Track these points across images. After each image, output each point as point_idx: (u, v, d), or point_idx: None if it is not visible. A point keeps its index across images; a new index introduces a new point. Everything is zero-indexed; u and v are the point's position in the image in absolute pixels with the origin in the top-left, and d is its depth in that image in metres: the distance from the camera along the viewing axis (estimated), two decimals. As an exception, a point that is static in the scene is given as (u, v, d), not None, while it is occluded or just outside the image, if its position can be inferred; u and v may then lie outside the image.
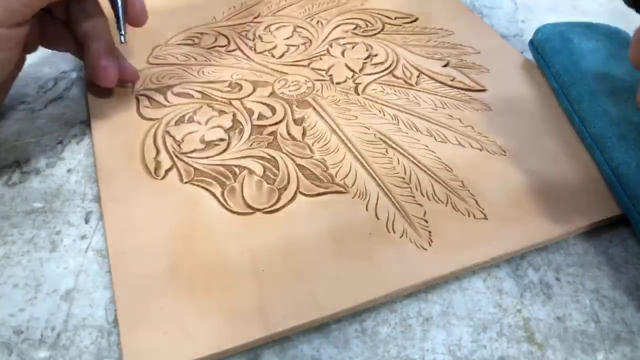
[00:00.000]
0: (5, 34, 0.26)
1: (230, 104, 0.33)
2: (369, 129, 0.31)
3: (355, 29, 0.40)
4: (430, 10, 0.42)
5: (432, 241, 0.25)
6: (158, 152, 0.30)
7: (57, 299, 0.24)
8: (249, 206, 0.27)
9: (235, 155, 0.30)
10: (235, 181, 0.28)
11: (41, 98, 0.34)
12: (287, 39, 0.39)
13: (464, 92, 0.34)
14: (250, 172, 0.29)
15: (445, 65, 0.37)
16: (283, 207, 0.27)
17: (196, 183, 0.28)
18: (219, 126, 0.31)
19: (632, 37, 0.23)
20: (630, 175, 0.26)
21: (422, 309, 0.24)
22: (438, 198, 0.27)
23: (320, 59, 0.37)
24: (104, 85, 0.31)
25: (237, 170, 0.29)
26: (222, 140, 0.31)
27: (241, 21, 0.41)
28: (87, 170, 0.30)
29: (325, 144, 0.30)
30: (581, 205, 0.27)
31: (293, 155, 0.30)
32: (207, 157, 0.29)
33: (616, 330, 0.23)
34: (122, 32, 0.31)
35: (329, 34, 0.40)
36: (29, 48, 0.31)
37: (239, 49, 0.38)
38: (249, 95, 0.34)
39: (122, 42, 0.31)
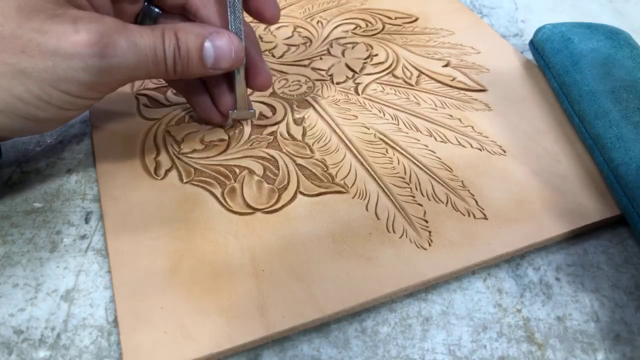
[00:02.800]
0: (80, 103, 0.24)
1: (230, 104, 0.33)
2: (369, 129, 0.31)
3: (355, 29, 0.40)
4: (430, 10, 0.42)
5: (432, 241, 0.25)
6: (158, 152, 0.30)
7: (57, 299, 0.24)
8: (249, 206, 0.27)
9: (235, 156, 0.30)
10: (235, 181, 0.28)
11: (41, 98, 0.34)
12: (287, 39, 0.39)
13: (464, 92, 0.34)
14: (250, 172, 0.29)
15: (445, 65, 0.37)
16: (283, 207, 0.27)
17: (196, 183, 0.28)
18: (219, 126, 0.31)
19: None
20: (630, 176, 0.26)
21: (422, 309, 0.24)
22: (438, 198, 0.27)
23: (321, 58, 0.37)
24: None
25: (237, 170, 0.29)
26: (222, 140, 0.31)
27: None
28: (87, 170, 0.30)
29: (325, 144, 0.30)
30: (581, 205, 0.27)
31: (293, 155, 0.30)
32: (207, 157, 0.29)
33: (616, 330, 0.23)
34: (245, 110, 0.30)
35: (329, 34, 0.40)
36: None
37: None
38: (249, 95, 0.34)
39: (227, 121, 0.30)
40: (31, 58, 0.21)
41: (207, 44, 0.25)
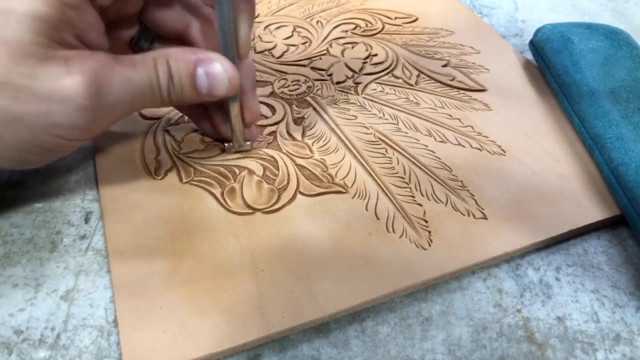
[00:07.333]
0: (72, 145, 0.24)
1: (230, 104, 0.33)
2: (368, 129, 0.31)
3: (355, 28, 0.40)
4: (430, 10, 0.42)
5: (431, 241, 0.25)
6: (158, 152, 0.30)
7: (57, 299, 0.24)
8: (248, 206, 0.27)
9: (235, 156, 0.30)
10: (235, 181, 0.28)
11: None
12: (286, 38, 0.39)
13: (463, 92, 0.34)
14: (250, 172, 0.29)
15: (445, 65, 0.37)
16: (283, 207, 0.27)
17: (196, 183, 0.28)
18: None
19: None
20: (630, 176, 0.26)
21: (422, 309, 0.24)
22: (438, 198, 0.27)
23: (320, 58, 0.37)
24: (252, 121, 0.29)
25: (237, 170, 0.29)
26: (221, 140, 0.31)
27: (241, 21, 0.41)
28: (87, 170, 0.30)
29: (325, 144, 0.30)
30: (581, 205, 0.27)
31: (293, 155, 0.30)
32: (207, 157, 0.29)
33: (616, 330, 0.23)
34: (242, 143, 0.29)
35: (328, 34, 0.40)
36: None
37: (239, 49, 0.38)
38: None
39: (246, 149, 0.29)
40: (24, 104, 0.20)
41: (200, 71, 0.24)
